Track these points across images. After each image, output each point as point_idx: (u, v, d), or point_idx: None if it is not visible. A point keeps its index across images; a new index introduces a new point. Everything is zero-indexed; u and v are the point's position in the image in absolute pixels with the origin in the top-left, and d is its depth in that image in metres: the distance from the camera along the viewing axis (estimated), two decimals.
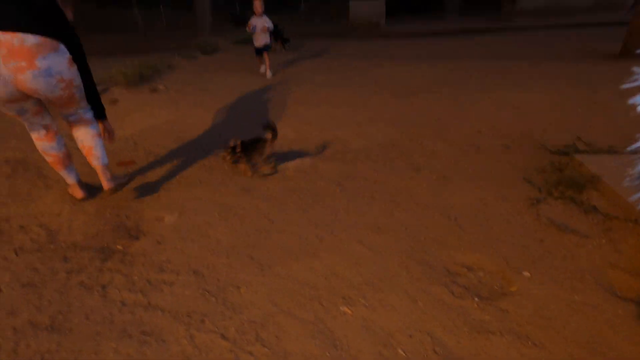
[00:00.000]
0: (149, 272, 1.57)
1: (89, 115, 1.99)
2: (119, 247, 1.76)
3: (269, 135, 2.38)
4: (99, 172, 2.04)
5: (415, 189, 2.20)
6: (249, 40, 6.35)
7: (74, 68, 1.75)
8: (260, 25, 5.21)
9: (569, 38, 7.47)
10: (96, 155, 2.00)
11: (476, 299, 1.39)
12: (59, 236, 1.85)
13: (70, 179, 2.09)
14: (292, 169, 2.49)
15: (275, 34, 7.06)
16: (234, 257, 1.64)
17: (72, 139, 2.07)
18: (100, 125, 2.10)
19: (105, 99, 4.08)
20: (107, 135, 2.15)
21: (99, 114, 2.07)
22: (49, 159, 2.02)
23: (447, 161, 2.54)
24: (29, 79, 1.57)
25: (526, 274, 1.50)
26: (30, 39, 1.54)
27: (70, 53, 1.73)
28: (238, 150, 2.36)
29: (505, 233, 1.77)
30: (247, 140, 2.41)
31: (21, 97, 1.68)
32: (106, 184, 2.06)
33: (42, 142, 1.97)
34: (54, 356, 1.20)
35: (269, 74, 5.33)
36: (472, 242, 1.71)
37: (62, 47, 1.68)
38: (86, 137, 1.97)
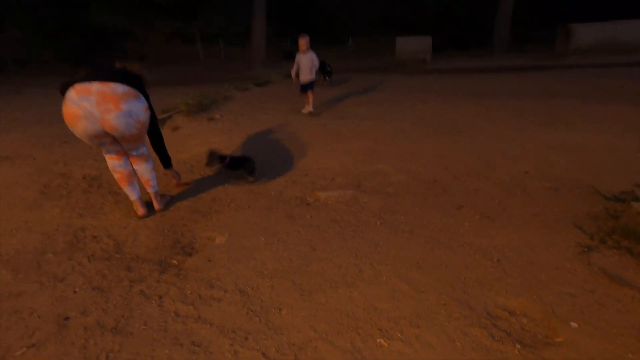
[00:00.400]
0: (200, 287, 1.71)
1: (146, 151, 2.40)
2: (175, 262, 1.93)
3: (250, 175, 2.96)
4: (151, 196, 2.48)
5: (457, 227, 2.20)
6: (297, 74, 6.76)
7: (149, 113, 2.17)
8: (305, 62, 5.18)
9: (626, 78, 7.11)
10: (151, 184, 2.44)
11: (518, 345, 1.35)
12: (125, 247, 2.07)
13: (132, 196, 2.37)
14: (334, 199, 2.60)
15: (321, 68, 7.45)
16: (277, 280, 1.74)
17: None
18: (170, 172, 2.63)
19: (168, 126, 4.55)
20: (175, 180, 2.70)
21: (166, 164, 2.60)
22: (116, 175, 2.33)
23: (491, 201, 2.51)
24: (112, 118, 1.95)
25: (574, 324, 1.44)
26: (119, 88, 1.95)
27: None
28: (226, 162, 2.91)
29: (552, 280, 1.71)
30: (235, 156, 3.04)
31: (103, 135, 2.05)
32: (157, 205, 2.48)
33: (113, 160, 2.30)
34: (116, 355, 1.34)
35: (310, 109, 5.32)
36: (516, 286, 1.67)
37: (142, 96, 2.09)
38: (145, 171, 2.40)
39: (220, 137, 4.23)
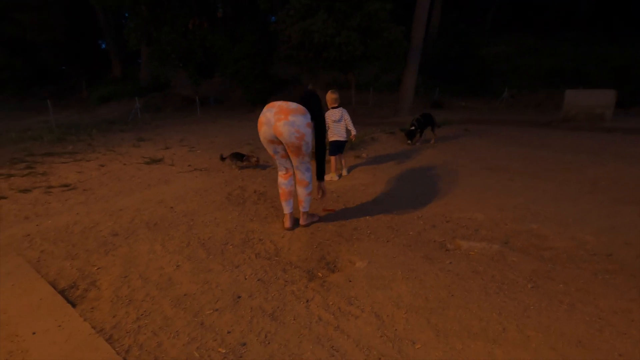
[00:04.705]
0: (340, 301, 1.89)
1: (308, 178, 2.79)
2: (320, 274, 2.19)
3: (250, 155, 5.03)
4: (301, 214, 2.88)
5: None
6: (443, 122, 6.72)
7: (309, 129, 2.56)
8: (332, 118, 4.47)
9: None
10: (304, 205, 2.85)
11: None
12: (282, 252, 2.46)
13: (286, 210, 2.83)
14: (477, 251, 2.47)
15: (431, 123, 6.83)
16: (413, 315, 1.77)
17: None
18: (320, 184, 2.91)
19: None
20: (321, 193, 2.94)
21: (320, 177, 2.89)
22: (279, 191, 2.84)
23: None
24: (280, 125, 2.45)
25: None
26: (293, 105, 2.47)
27: (316, 131, 2.67)
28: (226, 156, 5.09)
29: None
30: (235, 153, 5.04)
31: (275, 140, 2.57)
32: (302, 221, 2.92)
33: (280, 178, 2.83)
34: (272, 337, 1.61)
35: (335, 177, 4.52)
36: None
37: (308, 114, 2.52)
38: (302, 194, 2.83)
39: (364, 174, 4.56)
